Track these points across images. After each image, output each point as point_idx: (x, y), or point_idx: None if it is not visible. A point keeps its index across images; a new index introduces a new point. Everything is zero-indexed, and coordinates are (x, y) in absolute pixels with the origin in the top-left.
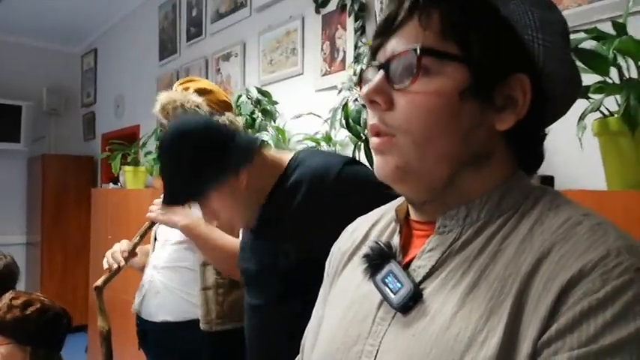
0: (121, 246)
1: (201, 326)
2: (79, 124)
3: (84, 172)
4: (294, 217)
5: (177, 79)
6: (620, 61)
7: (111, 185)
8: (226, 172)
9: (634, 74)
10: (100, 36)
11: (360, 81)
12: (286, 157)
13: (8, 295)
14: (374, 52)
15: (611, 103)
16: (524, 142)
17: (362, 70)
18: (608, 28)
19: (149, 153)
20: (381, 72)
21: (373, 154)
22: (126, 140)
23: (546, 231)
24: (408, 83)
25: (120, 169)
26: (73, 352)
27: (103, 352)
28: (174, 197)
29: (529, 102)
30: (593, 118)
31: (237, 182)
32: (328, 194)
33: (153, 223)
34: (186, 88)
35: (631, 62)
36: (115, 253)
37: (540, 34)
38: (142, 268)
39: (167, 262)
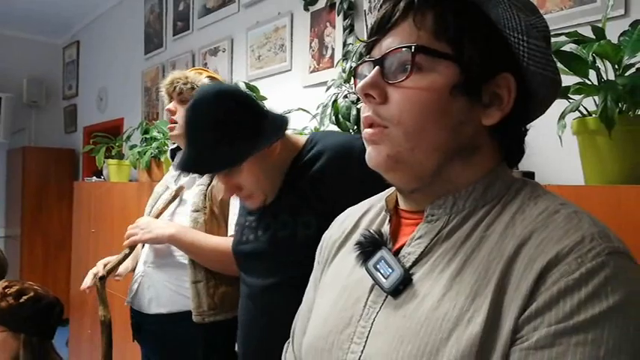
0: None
1: (194, 318)
2: (60, 117)
3: (65, 165)
4: (316, 189)
5: (163, 73)
6: (599, 63)
7: (94, 179)
8: (262, 141)
9: (611, 76)
10: (82, 28)
11: (355, 75)
12: (302, 138)
13: (1, 284)
14: (369, 48)
15: (590, 103)
16: (508, 136)
17: (356, 65)
18: (587, 32)
19: (134, 146)
20: (377, 67)
21: (366, 144)
22: (109, 133)
23: (527, 219)
24: (402, 79)
25: (103, 162)
26: (54, 345)
27: (103, 341)
28: (204, 164)
29: (513, 100)
30: (572, 117)
31: (269, 153)
32: (356, 165)
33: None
34: (199, 72)
35: (608, 65)
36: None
37: (526, 37)
38: (133, 270)
39: (156, 256)
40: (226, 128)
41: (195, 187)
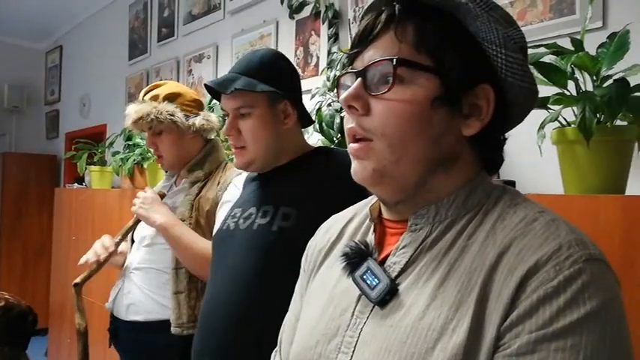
0: (103, 242)
1: (172, 330)
2: (41, 122)
3: (46, 172)
4: (309, 188)
5: (148, 80)
6: (577, 74)
7: (75, 185)
8: (286, 93)
9: (589, 87)
10: (66, 33)
11: (338, 86)
12: (306, 142)
13: None
14: (351, 59)
15: (569, 113)
16: (487, 146)
17: (339, 76)
18: (567, 43)
19: (116, 153)
20: (359, 79)
21: (352, 158)
22: (91, 140)
23: (507, 227)
24: (383, 90)
25: (85, 169)
26: (32, 355)
27: (79, 350)
28: (230, 80)
29: (492, 110)
30: (552, 127)
31: (281, 120)
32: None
33: (138, 221)
34: (155, 97)
35: (587, 76)
36: (96, 249)
37: (504, 50)
38: (120, 265)
39: (140, 262)
40: (268, 70)
41: (184, 197)
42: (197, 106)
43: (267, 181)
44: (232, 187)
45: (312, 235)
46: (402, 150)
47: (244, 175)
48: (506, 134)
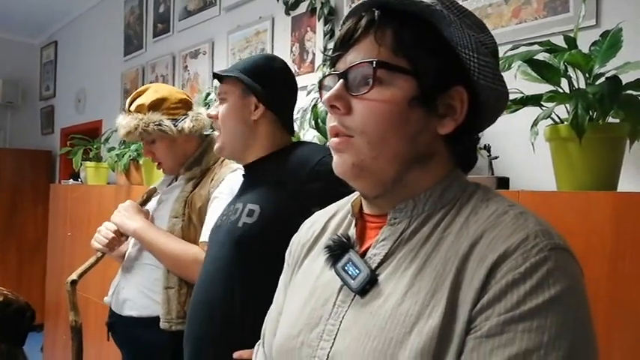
0: (107, 226)
1: (161, 325)
2: (36, 118)
3: (41, 168)
4: (272, 184)
5: (143, 75)
6: (570, 72)
7: (71, 181)
8: (256, 91)
9: (582, 85)
10: (61, 28)
11: (320, 87)
12: (287, 140)
13: None
14: (333, 62)
15: (562, 111)
16: (461, 144)
17: (322, 78)
18: (560, 41)
19: (112, 149)
20: (341, 80)
21: (332, 152)
22: (87, 135)
23: (479, 220)
24: (364, 91)
25: (81, 164)
26: (28, 351)
27: (74, 346)
28: (226, 70)
29: (466, 111)
30: (545, 124)
31: (250, 109)
32: (305, 179)
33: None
34: (141, 107)
35: (580, 74)
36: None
37: (476, 54)
38: (122, 256)
39: (134, 258)
40: (254, 67)
41: (178, 194)
42: (184, 105)
43: (248, 176)
44: (224, 183)
45: (274, 231)
46: (380, 147)
47: (238, 172)
48: (483, 132)
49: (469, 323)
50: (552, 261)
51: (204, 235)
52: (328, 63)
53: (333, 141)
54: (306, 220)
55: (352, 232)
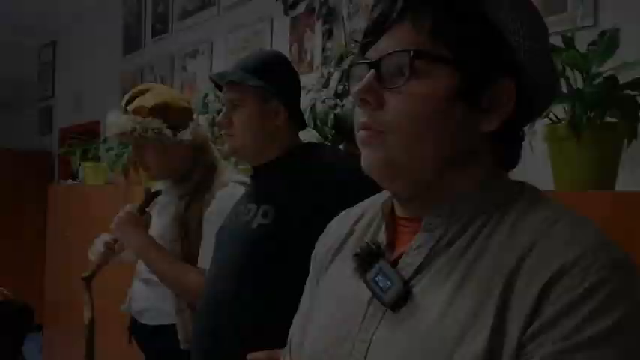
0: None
1: (182, 346)
2: (34, 118)
3: (40, 168)
4: (287, 185)
5: (142, 75)
6: (568, 72)
7: (70, 181)
8: (279, 93)
9: (580, 85)
10: (59, 29)
11: (348, 77)
12: (297, 139)
13: None
14: (364, 49)
15: (559, 111)
16: (506, 142)
17: (350, 66)
18: (557, 41)
19: (111, 149)
20: (372, 71)
21: (361, 147)
22: (86, 135)
23: (527, 228)
24: (399, 84)
25: (79, 165)
26: (26, 353)
27: (86, 343)
28: (227, 72)
29: (513, 105)
30: (542, 124)
31: (273, 115)
32: (329, 194)
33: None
34: (140, 109)
35: (577, 74)
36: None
37: (527, 41)
38: (135, 261)
39: (145, 272)
40: (264, 68)
41: (173, 214)
42: (185, 115)
43: (258, 178)
44: (214, 203)
45: (290, 233)
46: (415, 146)
47: (229, 188)
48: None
49: (518, 349)
50: (615, 280)
51: (201, 262)
52: (329, 61)
53: (362, 133)
54: (331, 223)
55: (382, 237)
